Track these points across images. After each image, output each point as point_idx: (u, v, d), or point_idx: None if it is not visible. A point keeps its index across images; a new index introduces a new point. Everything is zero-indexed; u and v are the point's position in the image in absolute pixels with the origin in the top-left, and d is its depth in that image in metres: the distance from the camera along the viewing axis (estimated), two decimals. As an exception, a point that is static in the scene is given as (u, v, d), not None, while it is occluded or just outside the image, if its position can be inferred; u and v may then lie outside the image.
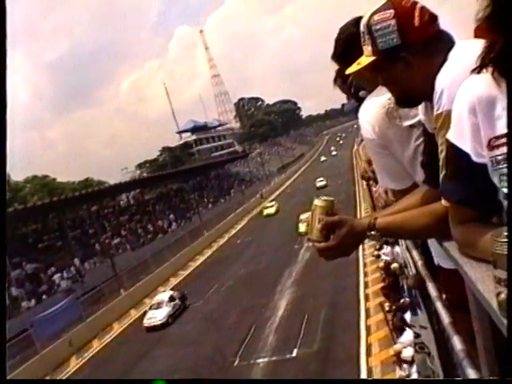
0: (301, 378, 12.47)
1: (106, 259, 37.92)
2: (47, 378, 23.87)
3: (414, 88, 1.70)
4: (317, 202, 1.91)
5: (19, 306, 29.44)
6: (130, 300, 33.19)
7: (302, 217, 35.46)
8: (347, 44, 2.20)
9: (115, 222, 49.63)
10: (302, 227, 34.96)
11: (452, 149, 1.37)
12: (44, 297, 31.77)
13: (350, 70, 1.90)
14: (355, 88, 2.91)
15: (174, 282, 37.68)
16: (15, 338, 24.37)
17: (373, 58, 1.71)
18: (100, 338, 28.11)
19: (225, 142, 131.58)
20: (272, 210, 57.66)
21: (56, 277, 34.37)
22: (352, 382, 11.75)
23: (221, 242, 50.44)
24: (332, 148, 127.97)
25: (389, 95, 1.96)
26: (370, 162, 4.46)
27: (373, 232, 1.84)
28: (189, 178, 73.47)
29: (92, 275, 35.51)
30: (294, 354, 18.82)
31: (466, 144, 1.31)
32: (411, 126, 2.08)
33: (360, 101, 2.48)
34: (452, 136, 1.37)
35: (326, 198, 1.93)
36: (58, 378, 23.80)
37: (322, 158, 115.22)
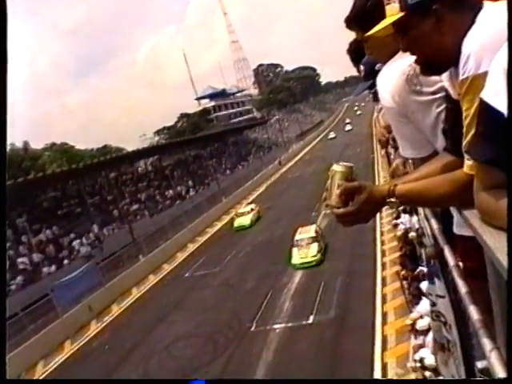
0: (299, 379, 12.38)
1: (125, 225, 38.14)
2: (67, 342, 24.33)
3: (442, 49, 1.63)
4: (336, 167, 1.93)
5: (40, 271, 29.84)
6: (148, 266, 33.48)
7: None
8: (365, 8, 2.06)
9: (133, 188, 49.77)
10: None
11: (485, 107, 1.29)
12: (64, 262, 32.09)
13: (372, 31, 1.81)
14: (366, 66, 3.02)
15: (191, 248, 37.88)
16: (36, 303, 24.83)
17: (400, 15, 1.62)
18: (119, 303, 28.47)
19: (243, 109, 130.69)
20: (246, 221, 39.30)
21: (75, 243, 34.71)
22: (354, 382, 11.75)
23: (239, 208, 50.42)
24: (347, 120, 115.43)
25: (409, 61, 1.91)
26: (387, 128, 4.33)
27: (392, 199, 1.83)
28: (207, 145, 73.36)
29: (111, 241, 35.76)
30: (310, 321, 18.88)
31: (500, 103, 1.22)
32: (432, 93, 2.02)
33: (373, 75, 2.47)
34: (486, 94, 1.29)
35: (345, 163, 1.94)
36: (78, 341, 24.29)
37: (331, 135, 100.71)
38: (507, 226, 1.06)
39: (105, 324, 25.87)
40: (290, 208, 40.41)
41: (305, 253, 25.39)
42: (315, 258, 25.02)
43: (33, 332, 23.74)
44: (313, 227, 27.87)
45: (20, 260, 30.87)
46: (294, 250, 26.13)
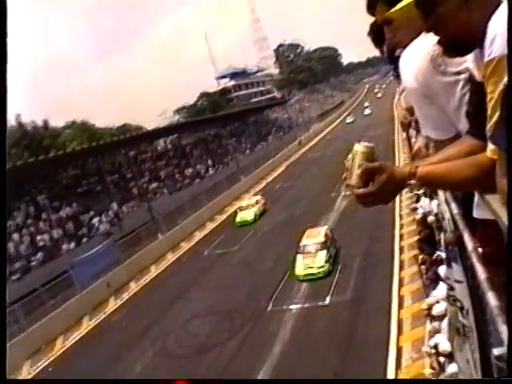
0: (299, 379, 12.33)
1: (144, 203, 38.30)
2: (86, 317, 24.62)
3: (469, 27, 1.57)
4: (357, 147, 1.91)
5: (60, 248, 30.14)
6: (166, 243, 33.68)
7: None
8: None
9: (153, 166, 49.94)
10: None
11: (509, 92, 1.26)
12: (83, 239, 32.39)
13: (395, 8, 1.82)
14: (389, 48, 3.00)
15: (210, 226, 37.96)
16: (56, 279, 25.12)
17: None
18: (137, 280, 28.71)
19: (264, 88, 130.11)
20: (249, 216, 35.63)
21: (95, 220, 34.99)
22: (354, 382, 11.63)
23: (258, 187, 50.42)
24: (366, 104, 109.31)
25: (433, 41, 1.83)
26: (409, 110, 4.23)
27: (413, 181, 1.83)
28: (227, 124, 73.20)
29: (130, 219, 35.99)
30: (327, 302, 18.79)
31: None
32: (457, 73, 1.98)
33: (394, 61, 2.47)
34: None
35: (367, 143, 1.92)
36: (97, 317, 24.62)
37: (349, 119, 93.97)
38: (507, 225, 1.05)
39: (123, 301, 26.13)
40: (309, 188, 40.23)
41: (310, 262, 21.79)
42: (322, 270, 21.32)
43: (52, 307, 24.06)
44: (323, 230, 24.09)
45: (40, 237, 31.21)
46: (299, 257, 22.47)
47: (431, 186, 2.34)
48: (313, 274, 21.29)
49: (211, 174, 52.83)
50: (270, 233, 31.09)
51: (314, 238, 23.24)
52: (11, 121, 50.23)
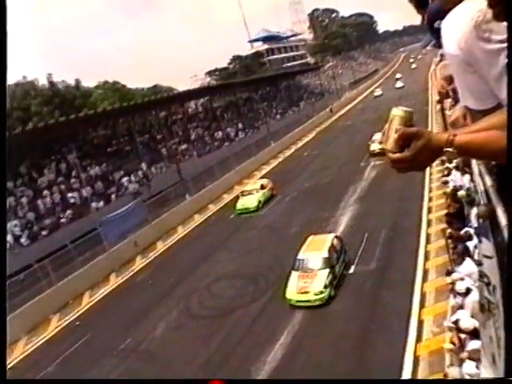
0: (300, 379, 12.28)
1: (173, 165, 38.38)
2: (113, 274, 25.05)
3: None
4: (395, 111, 1.90)
5: (89, 206, 30.51)
6: (194, 205, 33.91)
7: (375, 137, 34.06)
8: None
9: (183, 128, 49.88)
10: (373, 146, 33.64)
11: None
12: (112, 198, 32.72)
13: None
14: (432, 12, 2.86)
15: (238, 189, 37.95)
16: (85, 237, 25.49)
17: None
18: (164, 240, 29.06)
19: (297, 53, 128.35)
20: (251, 202, 31.26)
21: (124, 180, 35.25)
22: (355, 383, 11.55)
23: (287, 153, 50.22)
24: (397, 76, 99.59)
25: (479, 6, 1.81)
26: (447, 79, 4.15)
27: (450, 149, 1.80)
28: (258, 88, 72.57)
29: (158, 180, 36.19)
30: (352, 271, 18.74)
31: None
32: (501, 41, 1.87)
33: (435, 32, 2.37)
34: None
35: (404, 108, 1.91)
36: (123, 274, 25.09)
37: (377, 92, 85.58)
38: (507, 225, 1.01)
39: (149, 260, 26.51)
40: (338, 156, 39.81)
41: (307, 284, 17.06)
42: (320, 297, 16.61)
43: (80, 264, 24.50)
44: (328, 240, 19.01)
45: (70, 195, 31.63)
46: (294, 275, 17.77)
47: (468, 154, 2.23)
48: (307, 301, 16.78)
49: (241, 137, 52.58)
50: (297, 199, 30.98)
51: (316, 250, 18.38)
52: (43, 80, 50.57)
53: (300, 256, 18.48)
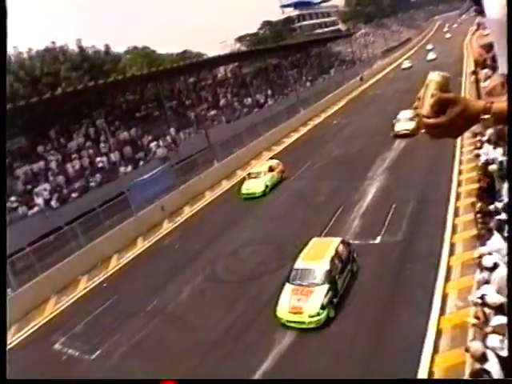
0: (300, 379, 12.08)
1: (201, 130, 38.18)
2: (140, 238, 25.19)
3: None
4: (432, 76, 1.91)
5: (117, 170, 30.60)
6: (222, 170, 33.88)
7: (400, 115, 33.17)
8: None
9: (212, 94, 49.56)
10: (398, 126, 32.58)
11: None
12: (140, 163, 32.76)
13: None
14: None
15: (266, 156, 37.73)
16: (113, 201, 25.58)
17: None
18: (191, 205, 29.12)
19: (328, 20, 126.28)
20: (257, 187, 28.20)
21: (152, 145, 35.23)
22: (355, 383, 11.30)
23: (316, 121, 49.70)
24: (429, 46, 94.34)
25: None
26: (485, 47, 3.98)
27: (487, 116, 1.78)
28: (289, 54, 71.65)
29: (187, 145, 36.08)
30: (377, 241, 18.53)
31: None
32: None
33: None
34: None
35: (442, 73, 1.92)
36: (150, 238, 25.26)
37: (405, 64, 78.13)
38: (507, 225, 0.81)
39: (176, 224, 26.60)
40: (368, 126, 39.09)
41: (301, 303, 14.38)
42: (315, 319, 13.96)
43: (108, 227, 24.67)
44: (332, 247, 15.99)
45: (99, 159, 31.75)
46: (287, 289, 15.04)
47: (506, 122, 1.99)
48: (301, 323, 14.18)
49: (270, 104, 51.95)
50: (326, 167, 30.67)
51: (316, 259, 15.51)
52: (72, 45, 50.49)
53: (297, 265, 15.61)
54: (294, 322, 14.21)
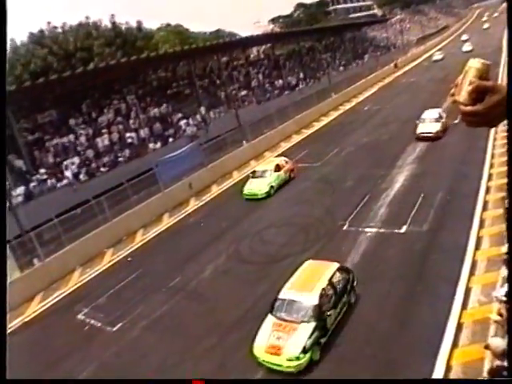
0: (300, 379, 11.82)
1: (231, 110, 38.06)
2: (166, 214, 25.31)
3: None
4: (472, 62, 1.85)
5: (146, 147, 30.69)
6: (251, 151, 33.87)
7: (425, 115, 30.78)
8: None
9: (244, 74, 49.28)
10: (421, 127, 30.15)
11: None
12: (169, 140, 32.82)
13: None
14: None
15: (296, 139, 37.48)
16: (141, 176, 25.69)
17: None
18: (219, 184, 29.27)
19: (364, 4, 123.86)
20: (260, 188, 25.47)
21: (182, 123, 35.29)
22: (355, 383, 11.07)
23: (347, 106, 49.15)
24: (464, 37, 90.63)
25: None
26: None
27: None
28: (322, 38, 70.91)
29: (216, 124, 36.03)
30: (403, 231, 18.30)
31: None
32: None
33: None
34: None
35: (482, 60, 1.85)
36: (176, 215, 25.46)
37: (436, 56, 73.59)
38: (507, 225, 0.95)
39: (203, 202, 26.69)
40: (399, 114, 38.51)
41: (281, 341, 12.19)
42: (293, 364, 11.90)
43: (135, 202, 24.81)
44: (326, 276, 13.55)
45: (128, 134, 31.90)
46: (267, 322, 12.87)
47: None
48: (278, 366, 11.99)
49: (302, 87, 51.48)
50: (354, 153, 30.29)
51: (304, 290, 13.13)
52: (105, 21, 50.60)
53: (282, 294, 13.26)
54: (271, 363, 12.08)
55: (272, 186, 25.51)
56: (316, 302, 12.50)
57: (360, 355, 11.86)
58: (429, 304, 13.19)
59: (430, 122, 29.83)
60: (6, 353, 1.86)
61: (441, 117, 30.06)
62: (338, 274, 13.77)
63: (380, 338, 12.32)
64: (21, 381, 10.26)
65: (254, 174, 26.45)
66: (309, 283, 13.21)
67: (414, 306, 13.37)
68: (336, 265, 14.11)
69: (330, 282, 13.27)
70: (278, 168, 26.39)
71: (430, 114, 30.67)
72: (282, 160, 27.73)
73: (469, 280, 14.12)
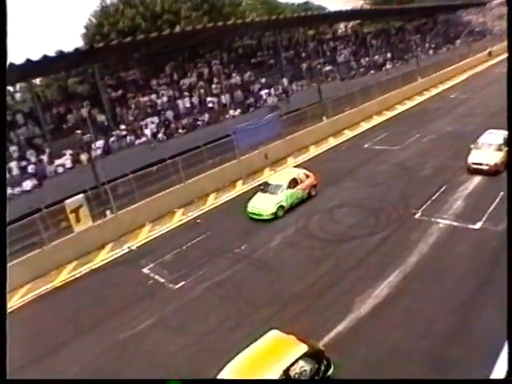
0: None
1: (314, 84, 37.41)
2: (239, 181, 25.45)
3: None
4: None
5: (226, 113, 30.71)
6: (330, 127, 33.36)
7: (482, 139, 27.46)
8: None
9: (330, 49, 48.31)
10: (473, 157, 27.43)
11: None
12: (250, 109, 32.75)
13: None
14: None
15: (377, 120, 36.49)
16: (218, 141, 25.80)
17: None
18: (295, 157, 29.06)
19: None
20: (267, 209, 20.73)
21: (263, 92, 35.09)
22: (355, 383, 10.40)
23: (433, 92, 47.14)
24: None
25: None
26: None
27: None
28: (414, 18, 68.23)
29: (297, 97, 35.59)
30: (477, 227, 17.16)
31: None
32: None
33: None
34: None
35: None
36: (249, 183, 25.57)
37: None
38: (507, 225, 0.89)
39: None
40: (488, 105, 36.16)
41: None
42: None
43: (210, 166, 24.97)
44: (286, 359, 9.57)
45: (209, 99, 32.05)
46: None
47: None
48: None
49: (388, 68, 49.93)
50: (436, 141, 28.91)
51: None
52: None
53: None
54: None
55: (281, 207, 20.94)
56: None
57: (416, 349, 11.40)
58: (493, 305, 12.24)
59: (487, 149, 22.72)
60: (6, 353, 1.71)
61: (505, 143, 22.12)
62: (301, 363, 9.69)
63: (439, 334, 11.81)
64: (21, 381, 10.57)
65: (264, 187, 22.14)
66: (255, 371, 9.32)
67: (479, 305, 12.58)
68: (304, 348, 9.95)
69: (286, 374, 9.34)
70: (294, 183, 21.76)
71: (492, 138, 23.39)
72: (301, 173, 22.70)
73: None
